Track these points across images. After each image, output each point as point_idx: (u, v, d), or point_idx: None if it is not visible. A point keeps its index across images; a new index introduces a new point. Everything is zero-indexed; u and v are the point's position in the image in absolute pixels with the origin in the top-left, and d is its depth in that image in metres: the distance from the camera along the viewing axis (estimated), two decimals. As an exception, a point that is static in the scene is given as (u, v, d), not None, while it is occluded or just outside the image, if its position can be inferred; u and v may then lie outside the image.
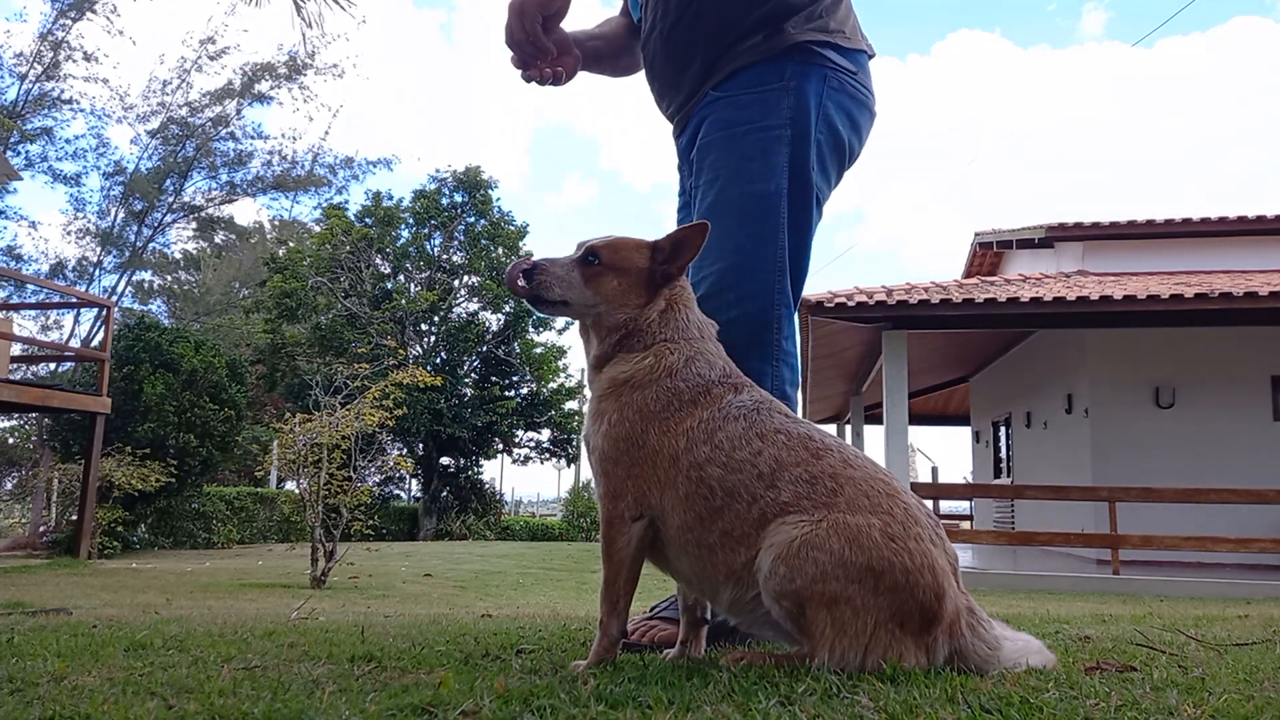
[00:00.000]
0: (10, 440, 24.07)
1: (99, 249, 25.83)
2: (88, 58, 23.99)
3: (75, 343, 23.63)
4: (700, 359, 1.59)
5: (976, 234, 14.95)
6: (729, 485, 1.45)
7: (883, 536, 1.34)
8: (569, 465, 27.14)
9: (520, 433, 24.93)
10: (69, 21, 23.46)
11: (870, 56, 2.12)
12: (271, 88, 26.47)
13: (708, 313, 1.72)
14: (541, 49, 2.02)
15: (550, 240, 76.12)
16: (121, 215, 26.00)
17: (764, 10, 1.96)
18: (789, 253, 1.94)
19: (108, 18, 23.30)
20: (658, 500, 1.50)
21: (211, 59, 25.44)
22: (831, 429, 19.48)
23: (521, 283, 1.64)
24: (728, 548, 1.43)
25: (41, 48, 23.45)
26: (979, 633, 1.38)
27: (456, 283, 24.68)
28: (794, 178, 1.93)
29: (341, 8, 8.40)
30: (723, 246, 1.89)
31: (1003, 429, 15.50)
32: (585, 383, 1.81)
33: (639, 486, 1.51)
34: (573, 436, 25.25)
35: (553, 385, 24.94)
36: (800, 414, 1.71)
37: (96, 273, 25.91)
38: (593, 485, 1.68)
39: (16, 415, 20.80)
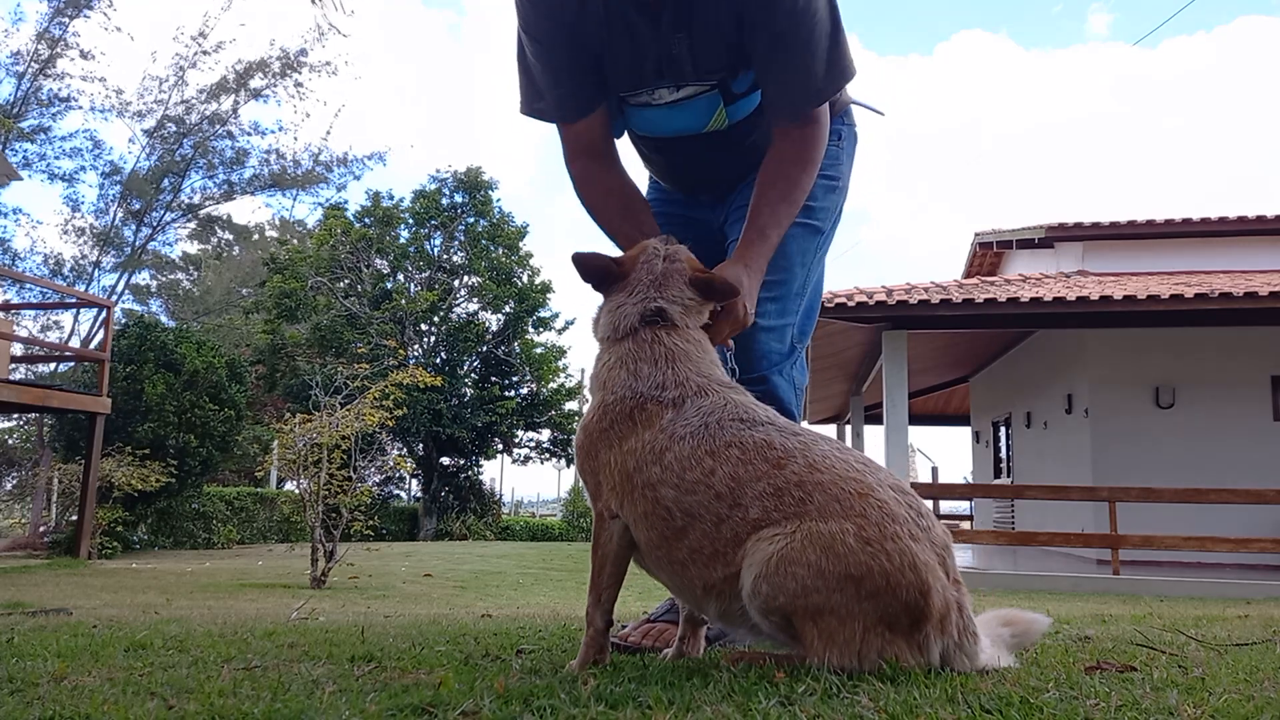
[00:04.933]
0: (10, 440, 24.03)
1: (97, 249, 25.80)
2: (85, 55, 23.95)
3: (75, 343, 23.60)
4: (621, 367, 1.59)
5: (976, 234, 14.94)
6: (686, 506, 1.44)
7: (857, 541, 1.32)
8: (569, 465, 27.15)
9: (520, 433, 24.91)
10: (66, 20, 23.41)
11: None
12: (268, 85, 26.40)
13: None
14: None
15: (556, 239, 76.50)
16: (119, 215, 25.96)
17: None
18: (813, 285, 2.09)
19: (104, 13, 23.23)
20: (620, 509, 1.52)
21: (206, 54, 25.32)
22: (831, 429, 19.48)
23: None
24: (699, 564, 1.44)
25: (39, 46, 23.40)
26: (965, 644, 1.36)
27: (456, 283, 24.66)
28: (833, 226, 2.14)
29: None
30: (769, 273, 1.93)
31: (1003, 429, 15.49)
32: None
33: (604, 493, 1.55)
34: (572, 437, 25.20)
35: (553, 385, 24.93)
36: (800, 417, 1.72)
37: (95, 272, 25.88)
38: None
39: (16, 415, 20.79)
